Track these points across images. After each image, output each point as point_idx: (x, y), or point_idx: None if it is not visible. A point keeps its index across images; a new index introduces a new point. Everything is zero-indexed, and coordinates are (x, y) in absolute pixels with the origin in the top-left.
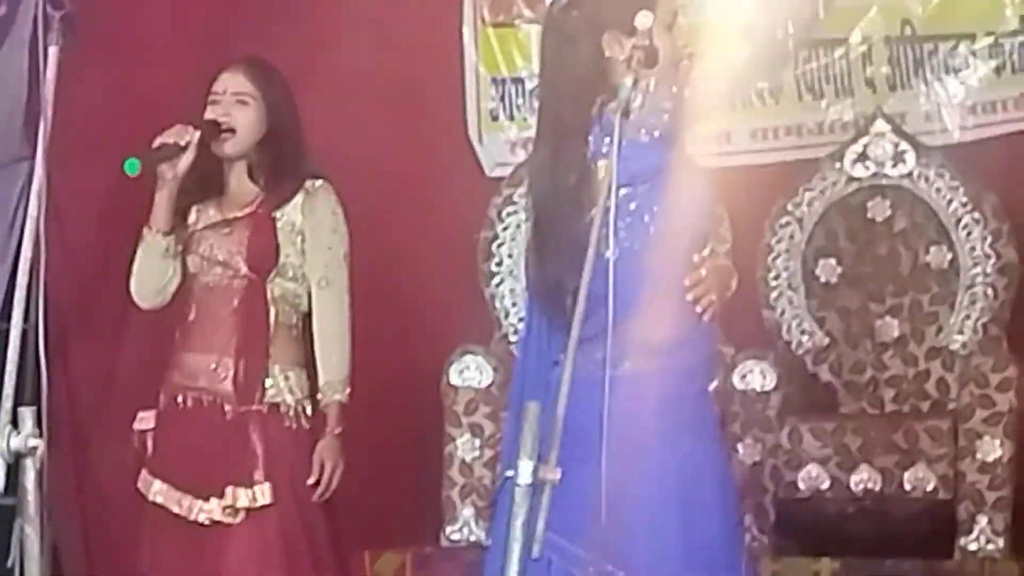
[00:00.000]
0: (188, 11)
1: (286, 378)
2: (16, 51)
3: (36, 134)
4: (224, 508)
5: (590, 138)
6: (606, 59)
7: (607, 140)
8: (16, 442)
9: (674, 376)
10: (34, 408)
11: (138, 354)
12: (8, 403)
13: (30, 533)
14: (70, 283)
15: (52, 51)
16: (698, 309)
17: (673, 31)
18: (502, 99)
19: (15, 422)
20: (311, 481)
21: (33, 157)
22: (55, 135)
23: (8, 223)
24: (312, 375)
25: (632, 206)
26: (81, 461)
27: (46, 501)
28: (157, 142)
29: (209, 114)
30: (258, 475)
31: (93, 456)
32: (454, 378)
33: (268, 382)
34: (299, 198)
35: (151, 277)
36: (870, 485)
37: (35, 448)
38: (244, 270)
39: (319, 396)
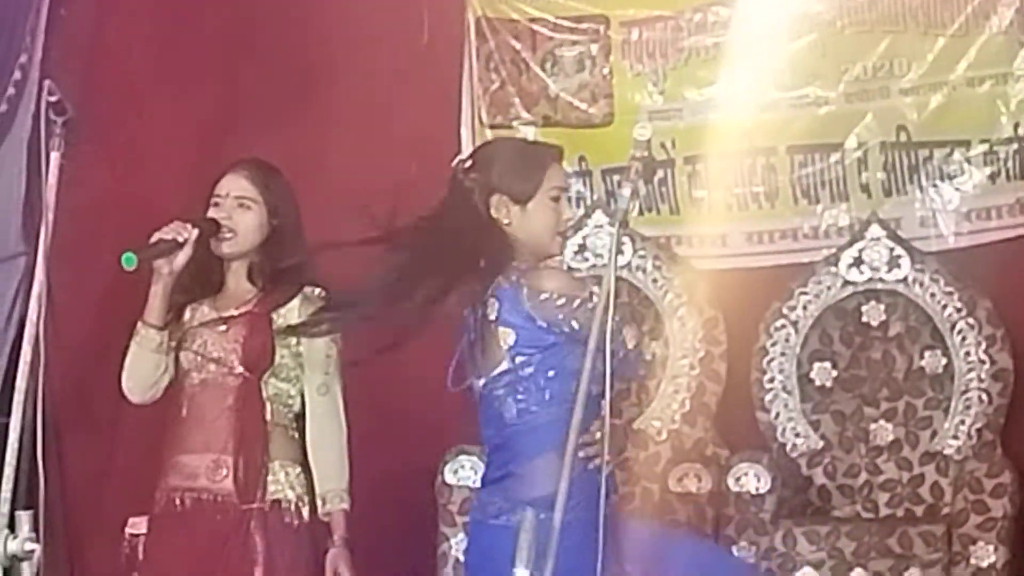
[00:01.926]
0: (187, 112)
1: (286, 474)
2: (15, 150)
3: (33, 230)
4: None
5: (491, 301)
6: (495, 222)
7: (499, 306)
8: (13, 546)
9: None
10: (31, 512)
11: (132, 454)
12: (5, 507)
13: None
14: (65, 382)
15: (54, 156)
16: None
17: (560, 204)
18: None
19: (12, 526)
20: None
21: (29, 253)
22: (54, 234)
23: (5, 318)
24: (308, 474)
25: (528, 371)
26: (75, 562)
27: None
28: (155, 237)
29: (211, 215)
30: (258, 573)
31: (87, 557)
32: (449, 477)
33: (270, 478)
34: (296, 302)
35: (143, 371)
36: None
37: (32, 552)
38: (239, 368)
39: (319, 503)
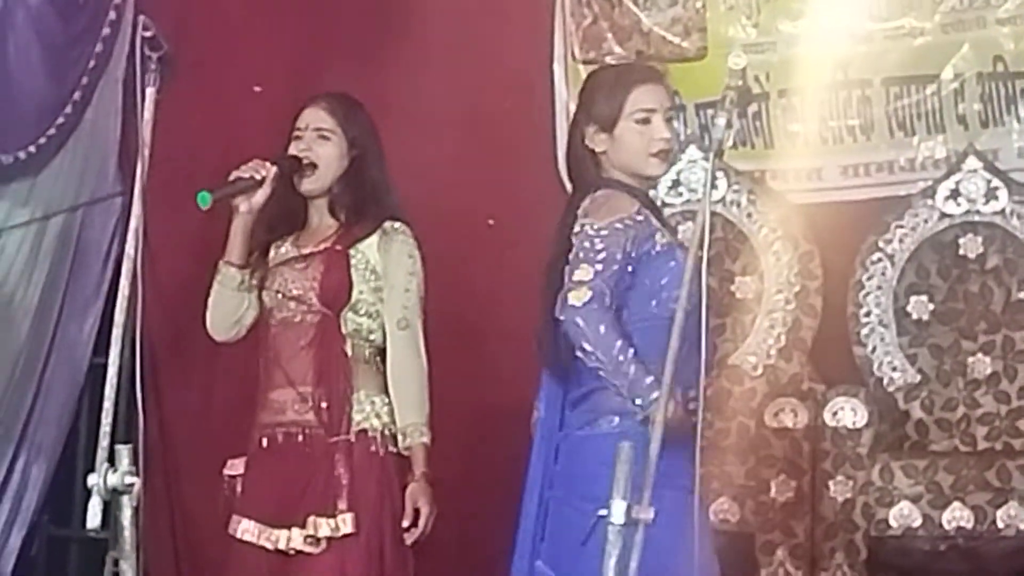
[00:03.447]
0: (279, 49)
1: (372, 404)
2: (111, 90)
3: (129, 171)
4: (306, 537)
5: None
6: (591, 152)
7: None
8: (113, 479)
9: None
10: (130, 446)
11: (229, 393)
12: (106, 441)
13: (125, 569)
14: (162, 320)
15: (149, 92)
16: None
17: (650, 126)
18: None
19: (112, 459)
20: (406, 523)
21: (125, 193)
22: (149, 173)
23: (103, 259)
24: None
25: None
26: (173, 497)
27: (141, 537)
28: (232, 176)
29: (292, 149)
30: (341, 504)
31: (184, 492)
32: None
33: (355, 409)
34: (375, 237)
35: (224, 310)
36: (962, 523)
37: (131, 485)
38: (317, 305)
39: (400, 438)
